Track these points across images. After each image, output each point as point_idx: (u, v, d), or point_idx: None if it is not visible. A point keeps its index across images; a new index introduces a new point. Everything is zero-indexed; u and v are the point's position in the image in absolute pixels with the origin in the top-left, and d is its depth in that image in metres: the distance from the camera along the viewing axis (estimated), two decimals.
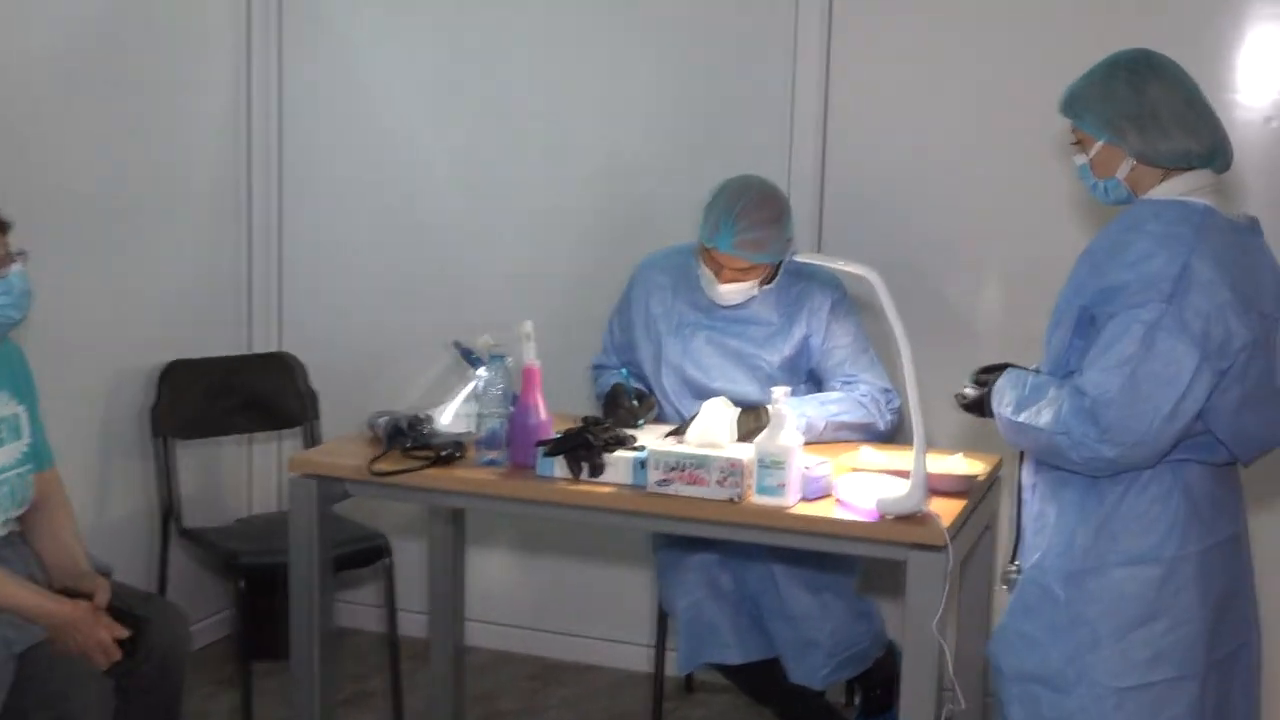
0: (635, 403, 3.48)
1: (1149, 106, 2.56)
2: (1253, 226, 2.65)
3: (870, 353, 3.59)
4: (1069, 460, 2.53)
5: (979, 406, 2.75)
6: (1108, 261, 2.52)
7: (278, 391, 4.35)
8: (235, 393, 4.28)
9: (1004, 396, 2.66)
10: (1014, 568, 2.74)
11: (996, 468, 3.28)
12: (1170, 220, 2.51)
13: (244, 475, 4.67)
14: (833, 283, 3.59)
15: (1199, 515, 2.56)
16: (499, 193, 4.39)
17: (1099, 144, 2.62)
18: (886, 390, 3.55)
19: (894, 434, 3.58)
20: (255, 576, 3.85)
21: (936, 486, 2.93)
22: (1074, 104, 2.64)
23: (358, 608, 4.60)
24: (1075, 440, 2.49)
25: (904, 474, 2.89)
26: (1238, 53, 3.68)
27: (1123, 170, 2.61)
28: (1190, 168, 2.58)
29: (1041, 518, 2.67)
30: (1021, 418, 2.59)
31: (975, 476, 3.08)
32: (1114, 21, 3.68)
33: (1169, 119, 2.55)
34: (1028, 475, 2.75)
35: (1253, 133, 3.65)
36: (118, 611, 3.00)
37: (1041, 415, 2.55)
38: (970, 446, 3.37)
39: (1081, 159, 2.66)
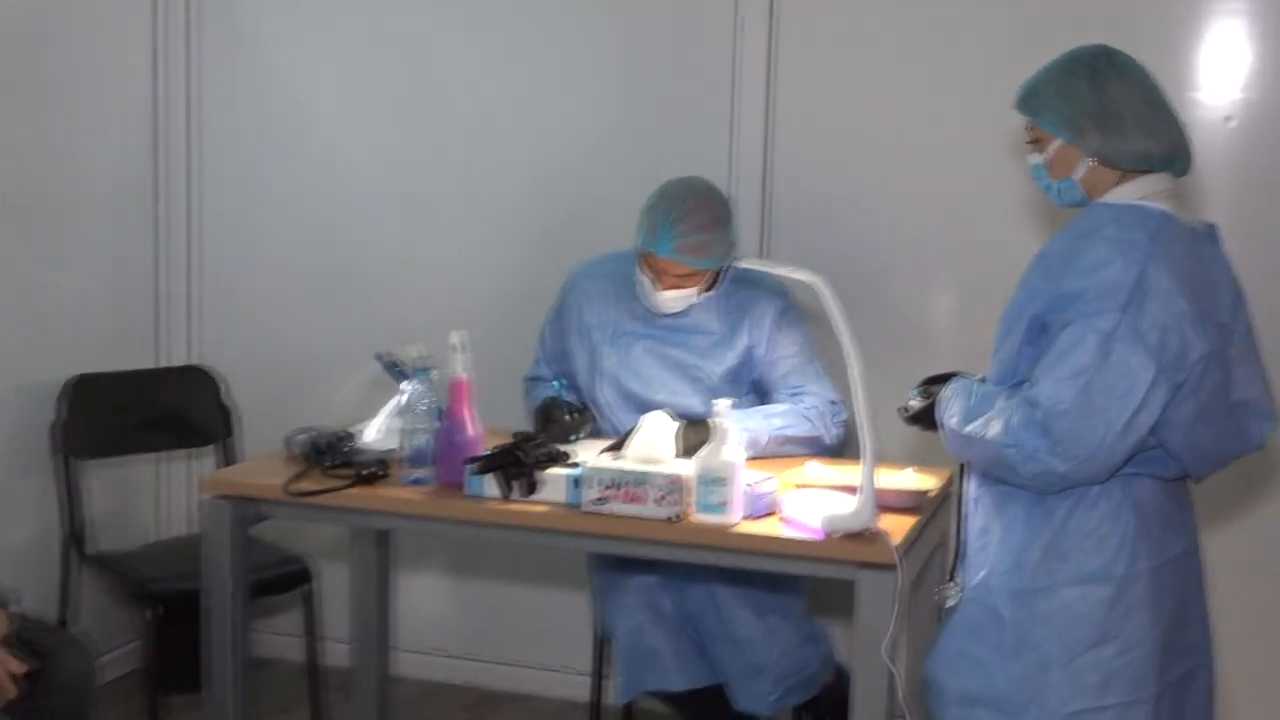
0: (570, 417, 3.49)
1: (1110, 105, 2.58)
2: (1210, 234, 2.69)
3: (817, 363, 3.61)
4: (1018, 474, 2.55)
5: (925, 418, 2.78)
6: (1063, 268, 2.54)
7: (191, 407, 4.32)
8: (145, 408, 4.25)
9: (950, 407, 2.68)
10: (952, 585, 2.75)
11: (949, 482, 3.31)
12: (1127, 226, 2.53)
13: (155, 496, 4.64)
14: (778, 290, 3.61)
15: (1149, 532, 2.59)
16: (427, 197, 4.39)
17: (1057, 143, 2.64)
18: (834, 402, 3.58)
19: (842, 448, 3.60)
20: (167, 604, 3.82)
21: (886, 502, 2.95)
22: (1032, 100, 2.66)
23: (277, 637, 4.57)
24: (1026, 453, 2.51)
25: (852, 489, 2.91)
26: (1197, 50, 3.74)
27: (1080, 171, 2.63)
28: (1148, 170, 2.61)
29: (986, 534, 2.69)
30: (969, 429, 2.61)
31: (927, 492, 3.10)
32: (1069, 18, 3.73)
33: (1130, 119, 2.58)
34: (971, 488, 2.77)
35: (1213, 133, 3.71)
36: (18, 644, 2.97)
37: (990, 427, 2.57)
38: (921, 460, 3.40)
39: (1037, 158, 2.68)
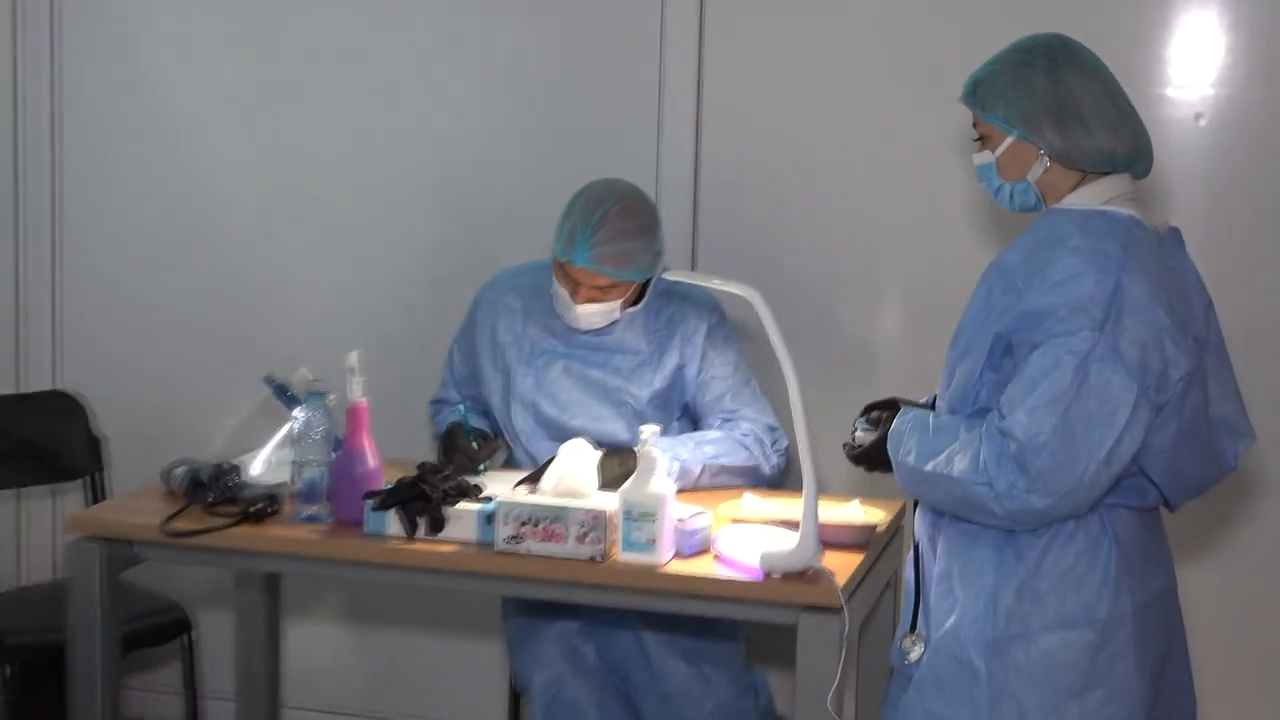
0: (477, 444, 3.49)
1: (1071, 100, 2.59)
2: (1174, 238, 2.71)
3: (753, 385, 3.63)
4: (990, 513, 2.54)
5: (874, 456, 2.76)
6: (1026, 282, 2.55)
7: (54, 437, 4.28)
8: (3, 439, 4.20)
9: (905, 442, 2.67)
10: (914, 637, 2.74)
11: (899, 515, 3.33)
12: (1096, 234, 2.55)
13: (14, 538, 4.59)
14: (709, 305, 3.63)
15: (1131, 568, 2.60)
16: (316, 202, 4.37)
17: (1009, 140, 2.64)
18: (772, 428, 3.59)
19: (782, 478, 3.62)
20: (27, 659, 3.79)
21: (830, 538, 2.96)
22: (981, 93, 2.66)
23: (152, 695, 4.53)
24: (1000, 491, 2.50)
25: (793, 524, 2.91)
26: (1164, 43, 3.79)
27: (1035, 172, 2.64)
28: (1108, 172, 2.63)
29: (948, 578, 2.68)
30: (930, 467, 2.59)
31: (875, 526, 3.12)
32: (1021, 9, 3.76)
33: (1092, 115, 2.59)
34: (923, 527, 2.77)
35: (1181, 132, 3.77)
36: None
37: (955, 463, 2.56)
38: (868, 492, 3.41)
39: (986, 157, 2.69)
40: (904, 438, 2.67)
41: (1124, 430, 2.47)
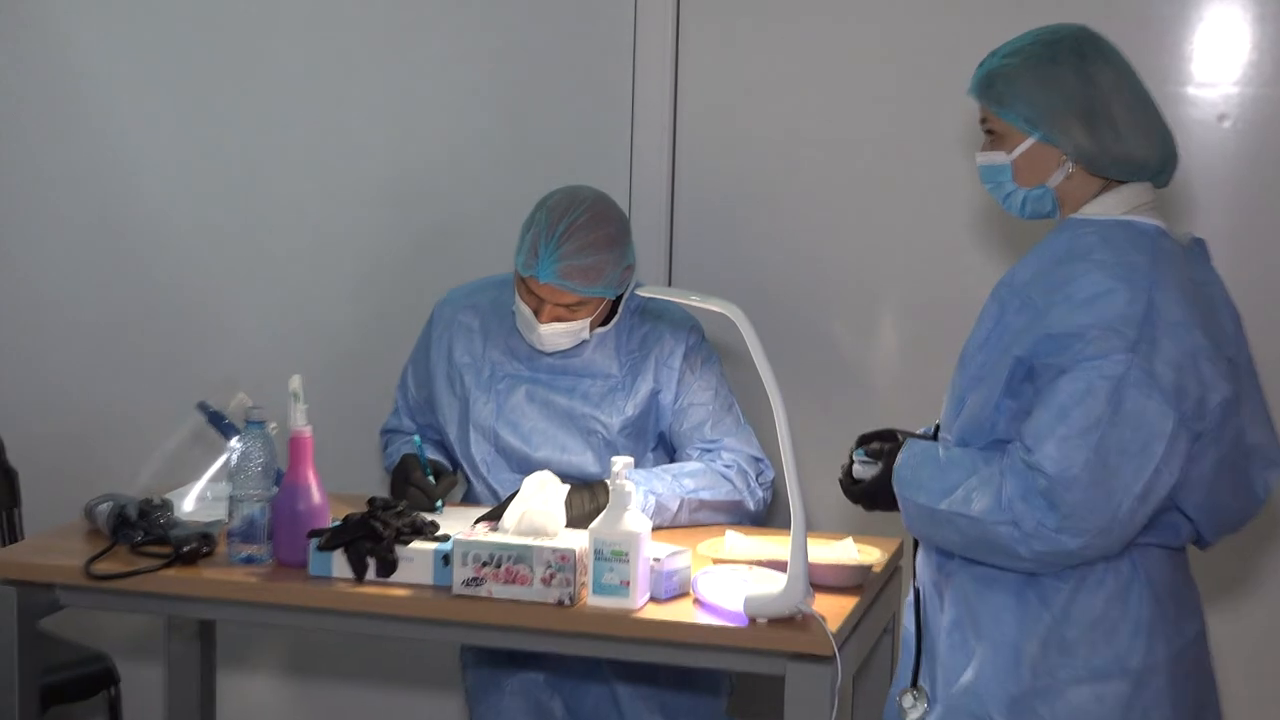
0: (433, 478, 3.47)
1: (1102, 101, 2.58)
2: (1200, 250, 2.71)
3: (736, 412, 3.62)
4: (1014, 556, 2.53)
5: (877, 493, 2.75)
6: (1048, 300, 2.54)
7: None
8: None
9: (912, 477, 2.65)
10: (915, 693, 2.73)
11: (896, 555, 3.33)
12: (1121, 247, 2.54)
13: None
14: (687, 323, 3.62)
15: (1164, 613, 2.60)
16: (258, 211, 4.36)
17: (1029, 142, 2.63)
18: (757, 459, 3.59)
19: (767, 514, 3.62)
20: None
21: (821, 580, 2.95)
22: (999, 89, 2.64)
23: None
24: (1027, 531, 2.49)
25: (780, 565, 2.91)
26: (1187, 39, 3.79)
27: (1057, 177, 2.64)
28: (1128, 179, 2.63)
29: (961, 627, 2.67)
30: (944, 505, 2.58)
31: (870, 566, 3.11)
32: (1026, 4, 3.76)
33: (1123, 118, 2.59)
34: (927, 571, 2.76)
35: (1203, 134, 3.77)
36: None
37: (973, 501, 2.55)
38: (863, 529, 3.41)
39: (999, 158, 2.67)
40: (912, 472, 2.66)
41: (1161, 462, 2.47)
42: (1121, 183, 2.63)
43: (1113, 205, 2.62)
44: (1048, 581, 2.58)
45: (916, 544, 2.80)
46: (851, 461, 2.83)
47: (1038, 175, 2.65)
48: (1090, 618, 2.57)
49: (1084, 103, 2.58)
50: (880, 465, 2.75)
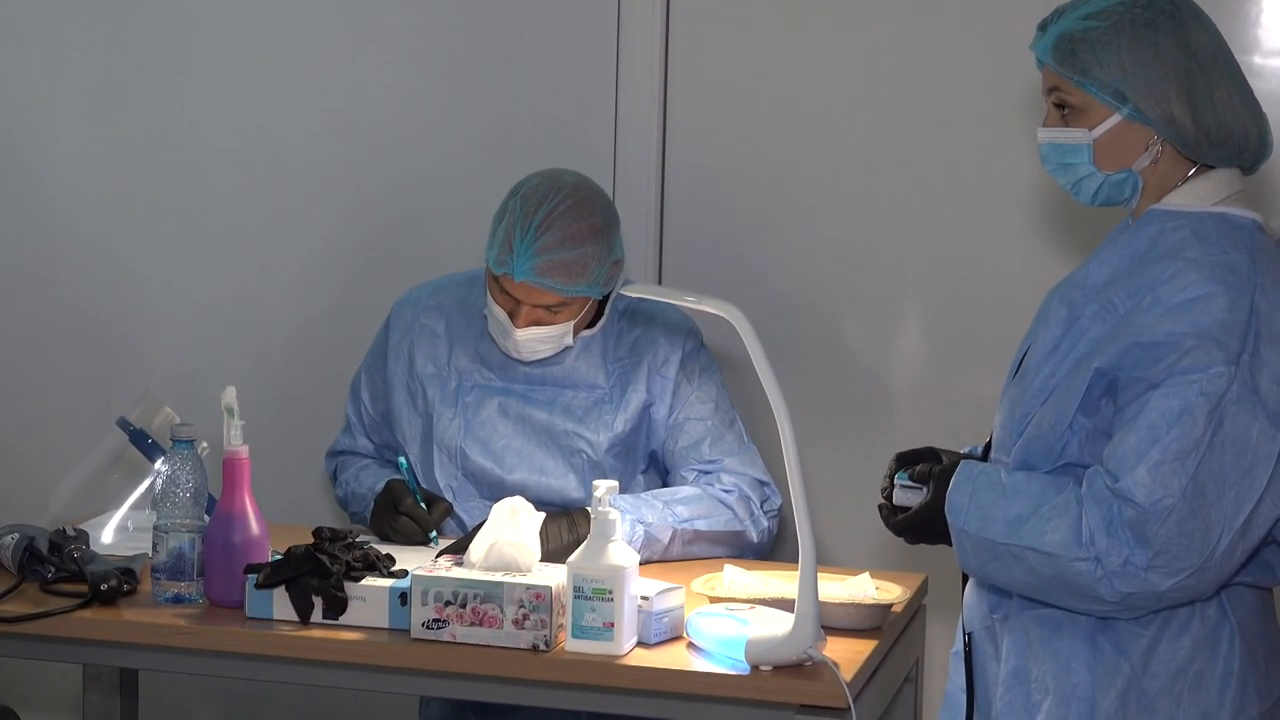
0: (426, 507, 3.48)
1: (1202, 73, 2.56)
2: None
3: (738, 428, 3.63)
4: (1093, 597, 2.51)
5: (923, 524, 2.71)
6: (1133, 303, 2.53)
7: None
8: None
9: (970, 506, 2.62)
10: None
11: (920, 593, 3.33)
12: (1218, 243, 2.53)
13: None
14: (683, 328, 3.63)
15: (1255, 662, 2.60)
16: (185, 200, 4.37)
17: (1115, 119, 2.60)
18: (761, 483, 3.59)
19: (772, 546, 3.62)
20: None
21: (834, 621, 2.96)
22: (1082, 56, 2.59)
23: None
24: (1111, 569, 2.47)
25: (786, 604, 2.91)
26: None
27: (1143, 160, 2.61)
28: (1222, 164, 2.60)
29: (1021, 677, 2.66)
30: (1011, 538, 2.55)
31: (889, 606, 3.12)
32: None
33: (1222, 91, 2.56)
34: (978, 613, 2.75)
35: (1274, 111, 3.75)
36: None
37: (1046, 534, 2.52)
38: (882, 563, 3.42)
39: (1078, 135, 2.62)
40: (970, 500, 2.62)
41: (1265, 491, 2.47)
42: (1209, 168, 2.61)
43: (1204, 194, 2.60)
44: (1124, 626, 2.57)
45: (965, 583, 2.78)
46: (891, 486, 2.79)
47: (1123, 157, 2.61)
48: (1175, 668, 2.56)
49: (1185, 75, 2.55)
50: (928, 491, 2.70)
